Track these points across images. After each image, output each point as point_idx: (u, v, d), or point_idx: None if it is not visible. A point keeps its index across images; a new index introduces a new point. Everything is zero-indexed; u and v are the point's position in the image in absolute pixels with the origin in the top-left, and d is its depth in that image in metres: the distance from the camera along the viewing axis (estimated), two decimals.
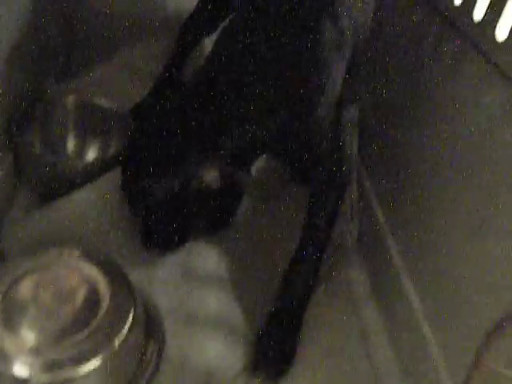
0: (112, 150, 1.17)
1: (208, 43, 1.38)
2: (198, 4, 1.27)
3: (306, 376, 0.87)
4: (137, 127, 1.09)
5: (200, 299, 0.98)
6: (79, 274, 0.86)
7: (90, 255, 0.89)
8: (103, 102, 1.22)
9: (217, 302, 0.97)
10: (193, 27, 1.30)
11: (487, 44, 0.76)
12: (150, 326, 0.93)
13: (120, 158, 1.04)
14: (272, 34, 0.81)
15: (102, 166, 1.07)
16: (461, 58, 0.86)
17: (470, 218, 0.77)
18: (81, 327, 0.80)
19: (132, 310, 0.84)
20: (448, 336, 0.80)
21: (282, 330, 0.89)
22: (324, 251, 0.92)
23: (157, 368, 0.88)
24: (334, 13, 0.81)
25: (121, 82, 1.41)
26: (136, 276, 0.91)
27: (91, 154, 1.20)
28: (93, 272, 0.86)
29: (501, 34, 0.73)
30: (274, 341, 0.88)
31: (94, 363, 0.77)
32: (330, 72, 0.82)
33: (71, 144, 1.21)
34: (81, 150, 1.21)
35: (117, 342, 0.80)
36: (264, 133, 0.84)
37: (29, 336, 0.78)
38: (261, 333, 0.90)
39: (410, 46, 1.00)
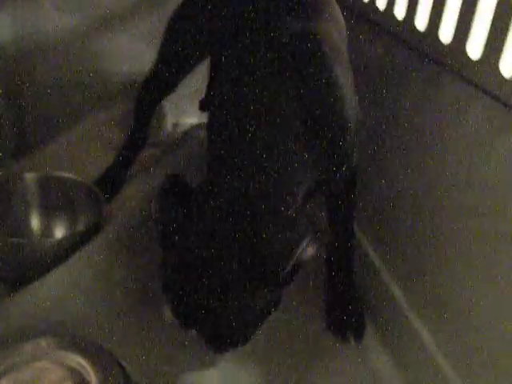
0: (81, 225, 1.09)
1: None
2: (156, 64, 1.22)
3: None
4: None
5: None
6: (63, 365, 0.77)
7: (73, 344, 0.80)
8: (65, 175, 1.15)
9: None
10: (151, 88, 1.24)
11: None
12: None
13: None
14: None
15: (72, 243, 0.98)
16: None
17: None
18: None
19: None
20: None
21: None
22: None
23: None
24: None
25: (80, 153, 1.35)
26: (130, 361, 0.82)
27: (59, 231, 1.12)
28: (79, 362, 0.77)
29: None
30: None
31: None
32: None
33: (36, 223, 1.13)
34: (47, 228, 1.12)
35: None
36: None
37: None
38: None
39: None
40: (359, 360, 0.93)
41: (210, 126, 0.90)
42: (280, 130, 0.77)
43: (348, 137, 0.82)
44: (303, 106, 0.78)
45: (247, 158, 0.77)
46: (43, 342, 0.80)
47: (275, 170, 0.76)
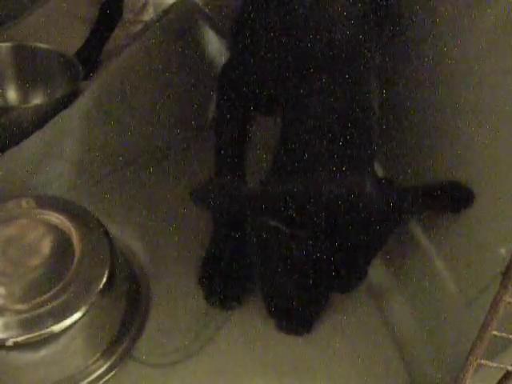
0: (58, 92, 1.07)
1: None
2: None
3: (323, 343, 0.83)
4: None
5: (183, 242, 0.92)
6: (44, 223, 0.79)
7: (53, 203, 0.81)
8: (40, 45, 1.12)
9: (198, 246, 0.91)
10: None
11: None
12: (133, 273, 0.87)
13: None
14: None
15: (49, 109, 0.97)
16: None
17: None
18: (55, 279, 0.73)
19: (109, 256, 0.77)
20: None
21: None
22: None
23: (145, 316, 0.83)
24: None
25: (57, 27, 1.30)
26: (109, 221, 0.83)
27: (36, 99, 1.10)
28: (60, 220, 0.79)
29: None
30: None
31: (73, 317, 0.71)
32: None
33: (13, 92, 1.11)
34: (25, 97, 1.11)
35: (96, 292, 0.73)
36: None
37: None
38: None
39: None
40: None
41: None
42: None
43: None
44: None
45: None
46: (24, 202, 0.82)
47: None
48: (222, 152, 0.89)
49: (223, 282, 0.86)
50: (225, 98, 0.89)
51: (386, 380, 0.80)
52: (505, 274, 0.37)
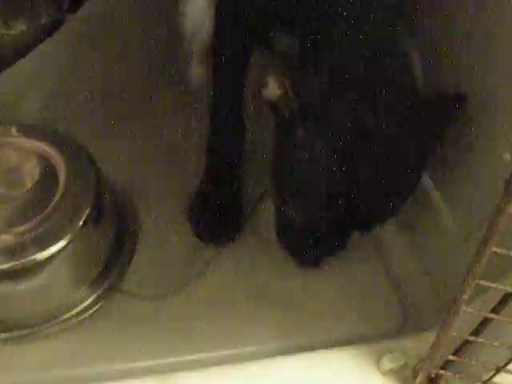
0: (43, 19, 1.02)
1: None
2: None
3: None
4: None
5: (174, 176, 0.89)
6: (29, 152, 0.76)
7: (39, 132, 0.78)
8: None
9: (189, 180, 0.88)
10: None
11: None
12: (121, 206, 0.84)
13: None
14: None
15: (33, 36, 0.93)
16: None
17: None
18: (40, 208, 0.71)
19: (95, 186, 0.74)
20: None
21: None
22: None
23: (134, 249, 0.81)
24: None
25: None
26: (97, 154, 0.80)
27: (19, 26, 1.05)
28: (45, 149, 0.76)
29: None
30: None
31: (57, 245, 0.69)
32: None
33: None
34: (6, 22, 1.05)
35: (81, 221, 0.71)
36: None
37: None
38: None
39: None
40: None
41: None
42: None
43: None
44: None
45: None
46: (7, 131, 0.78)
47: None
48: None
49: (214, 218, 0.84)
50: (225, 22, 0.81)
51: (380, 315, 0.79)
52: (509, 181, 0.34)
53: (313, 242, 0.73)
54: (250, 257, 0.82)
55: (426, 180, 0.80)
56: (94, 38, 0.98)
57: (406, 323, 0.79)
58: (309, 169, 0.65)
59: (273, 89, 0.65)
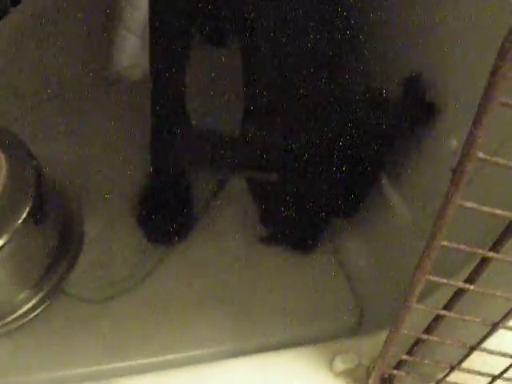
0: None
1: None
2: None
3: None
4: None
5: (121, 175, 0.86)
6: None
7: None
8: None
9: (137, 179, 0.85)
10: None
11: None
12: (66, 205, 0.81)
13: None
14: None
15: None
16: None
17: None
18: None
19: (36, 185, 0.71)
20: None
21: None
22: None
23: (79, 250, 0.77)
24: None
25: None
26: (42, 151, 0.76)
27: None
28: None
29: None
30: None
31: None
32: None
33: None
34: None
35: (20, 220, 0.67)
36: None
37: None
38: None
39: None
40: None
41: None
42: None
43: None
44: None
45: None
46: None
47: None
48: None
49: (162, 217, 0.81)
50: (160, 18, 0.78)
51: (335, 315, 0.77)
52: (455, 170, 0.32)
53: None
54: (201, 256, 0.79)
55: (383, 178, 0.79)
56: (38, 33, 0.93)
57: (362, 322, 0.78)
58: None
59: None
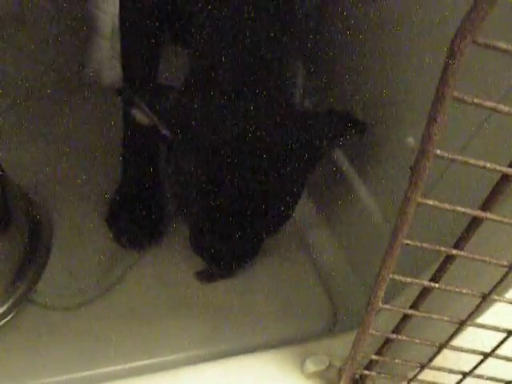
0: None
1: None
2: None
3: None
4: None
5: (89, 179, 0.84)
6: None
7: None
8: None
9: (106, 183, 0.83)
10: None
11: None
12: (33, 211, 0.79)
13: None
14: None
15: None
16: None
17: None
18: None
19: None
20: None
21: None
22: None
23: (47, 256, 0.76)
24: None
25: None
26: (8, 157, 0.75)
27: None
28: None
29: None
30: None
31: None
32: None
33: None
34: None
35: None
36: None
37: None
38: None
39: None
40: None
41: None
42: None
43: None
44: None
45: None
46: None
47: None
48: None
49: (132, 222, 0.80)
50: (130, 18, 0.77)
51: (309, 312, 0.77)
52: (413, 168, 0.32)
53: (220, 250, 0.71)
54: (172, 261, 0.78)
55: (352, 174, 0.78)
56: (6, 36, 0.92)
57: (336, 324, 0.78)
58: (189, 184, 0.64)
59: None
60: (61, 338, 0.70)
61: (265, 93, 0.61)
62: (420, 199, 0.33)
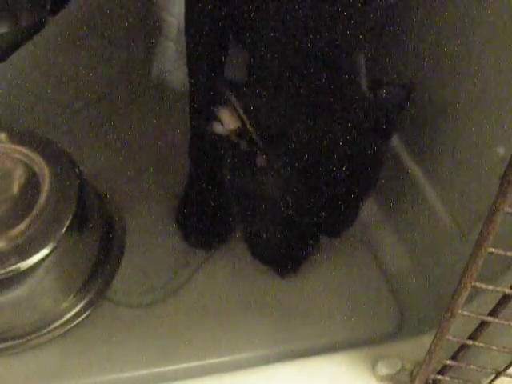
0: (24, 22, 1.00)
1: None
2: None
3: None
4: None
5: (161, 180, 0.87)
6: (13, 158, 0.73)
7: (22, 138, 0.75)
8: None
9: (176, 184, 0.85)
10: None
11: None
12: (107, 212, 0.82)
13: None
14: None
15: (14, 39, 0.91)
16: None
17: None
18: (22, 216, 0.68)
19: (78, 193, 0.72)
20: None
21: None
22: None
23: (121, 256, 0.78)
24: None
25: None
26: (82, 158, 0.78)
27: (1, 29, 1.03)
28: (29, 155, 0.73)
29: None
30: None
31: (40, 254, 0.66)
32: None
33: None
34: None
35: (63, 229, 0.68)
36: None
37: None
38: None
39: None
40: None
41: None
42: None
43: None
44: None
45: None
46: None
47: None
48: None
49: (202, 222, 0.82)
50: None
51: (376, 313, 0.77)
52: (503, 178, 0.32)
53: (284, 253, 0.73)
54: (240, 261, 0.79)
55: (420, 176, 0.78)
56: (76, 39, 0.95)
57: (403, 326, 0.77)
58: (274, 191, 0.64)
59: (228, 123, 0.61)
60: (133, 334, 0.72)
61: (342, 91, 0.61)
62: (508, 209, 0.34)
